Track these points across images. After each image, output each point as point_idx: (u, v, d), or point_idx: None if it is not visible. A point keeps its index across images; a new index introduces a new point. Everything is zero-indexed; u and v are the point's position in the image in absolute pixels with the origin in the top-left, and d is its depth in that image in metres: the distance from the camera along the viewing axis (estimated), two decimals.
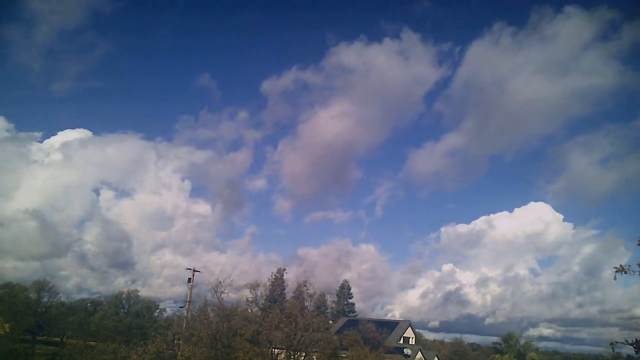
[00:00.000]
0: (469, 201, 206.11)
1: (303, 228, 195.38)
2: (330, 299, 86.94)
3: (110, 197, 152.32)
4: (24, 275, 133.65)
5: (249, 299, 49.64)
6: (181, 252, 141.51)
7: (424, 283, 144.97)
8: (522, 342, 52.44)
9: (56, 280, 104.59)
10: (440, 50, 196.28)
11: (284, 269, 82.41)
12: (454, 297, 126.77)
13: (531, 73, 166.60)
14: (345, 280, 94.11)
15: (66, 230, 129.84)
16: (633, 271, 12.80)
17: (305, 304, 44.20)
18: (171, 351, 35.60)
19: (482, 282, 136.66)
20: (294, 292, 51.64)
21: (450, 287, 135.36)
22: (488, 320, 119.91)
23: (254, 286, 48.65)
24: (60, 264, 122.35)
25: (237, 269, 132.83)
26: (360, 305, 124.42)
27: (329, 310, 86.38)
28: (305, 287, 45.18)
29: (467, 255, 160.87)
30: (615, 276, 13.05)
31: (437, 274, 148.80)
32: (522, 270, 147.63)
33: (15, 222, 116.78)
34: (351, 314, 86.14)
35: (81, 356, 38.80)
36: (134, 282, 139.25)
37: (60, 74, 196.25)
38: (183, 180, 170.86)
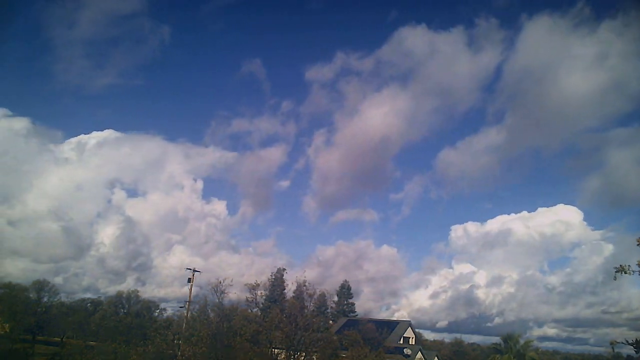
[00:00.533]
0: (490, 200, 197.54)
1: (324, 228, 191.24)
2: (330, 299, 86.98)
3: (131, 198, 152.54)
4: (36, 275, 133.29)
5: (249, 299, 49.63)
6: (199, 253, 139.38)
7: (436, 282, 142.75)
8: (521, 342, 52.55)
9: (69, 280, 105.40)
10: (511, 32, 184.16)
11: (284, 269, 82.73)
12: (464, 297, 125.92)
13: (583, 63, 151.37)
14: (346, 280, 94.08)
15: (85, 232, 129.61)
16: (633, 271, 12.81)
17: (305, 304, 44.14)
18: (171, 351, 35.66)
19: (494, 282, 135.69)
20: (294, 292, 51.54)
21: (462, 287, 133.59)
22: (497, 320, 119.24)
23: (253, 286, 48.63)
24: (78, 264, 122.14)
25: (254, 269, 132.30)
26: (371, 304, 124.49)
27: (329, 310, 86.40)
28: (305, 287, 45.11)
29: (481, 255, 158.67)
30: (615, 276, 13.06)
31: (449, 274, 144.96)
32: (534, 271, 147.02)
33: (36, 222, 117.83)
34: (351, 314, 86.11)
35: (81, 356, 38.89)
36: (144, 283, 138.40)
37: (93, 73, 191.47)
38: (196, 180, 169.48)
